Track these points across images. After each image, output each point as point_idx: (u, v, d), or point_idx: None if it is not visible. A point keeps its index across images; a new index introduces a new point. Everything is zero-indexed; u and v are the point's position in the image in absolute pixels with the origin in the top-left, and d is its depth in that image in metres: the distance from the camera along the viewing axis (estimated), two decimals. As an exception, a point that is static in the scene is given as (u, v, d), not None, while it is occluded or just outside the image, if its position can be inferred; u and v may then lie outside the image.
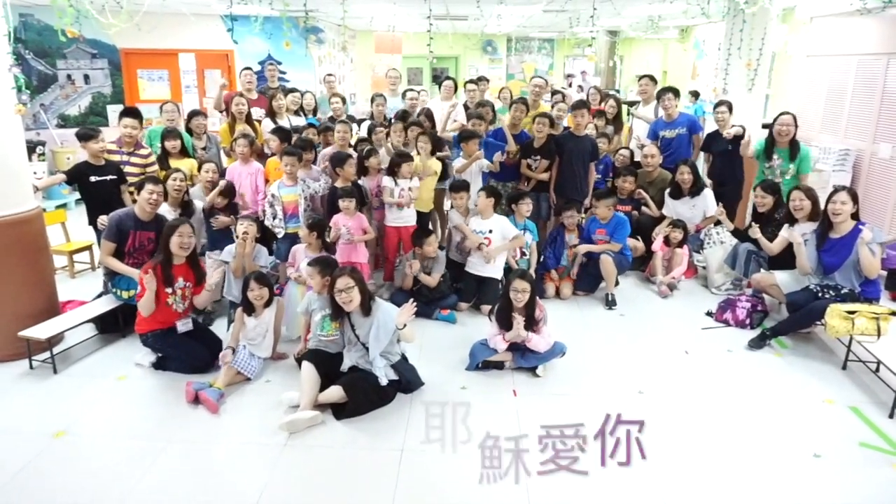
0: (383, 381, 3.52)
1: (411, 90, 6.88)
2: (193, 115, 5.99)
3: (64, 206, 7.74)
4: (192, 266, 4.05)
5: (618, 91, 14.22)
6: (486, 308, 4.70)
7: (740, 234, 5.39)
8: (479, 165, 5.58)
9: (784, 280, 4.72)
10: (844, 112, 7.18)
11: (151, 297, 3.77)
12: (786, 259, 4.79)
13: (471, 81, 7.33)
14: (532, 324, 3.92)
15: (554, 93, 7.60)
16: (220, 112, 6.54)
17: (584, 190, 5.92)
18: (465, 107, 6.74)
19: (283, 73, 10.13)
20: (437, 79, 9.49)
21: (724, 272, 5.69)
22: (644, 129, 6.72)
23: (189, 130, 5.93)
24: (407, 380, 3.69)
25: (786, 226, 4.77)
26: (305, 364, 3.56)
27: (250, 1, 7.31)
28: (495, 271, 5.03)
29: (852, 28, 6.99)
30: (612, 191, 5.47)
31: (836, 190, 4.40)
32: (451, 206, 5.35)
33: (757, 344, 4.49)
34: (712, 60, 11.83)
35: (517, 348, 4.03)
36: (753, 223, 5.03)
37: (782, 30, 9.20)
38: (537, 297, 4.02)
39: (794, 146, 5.50)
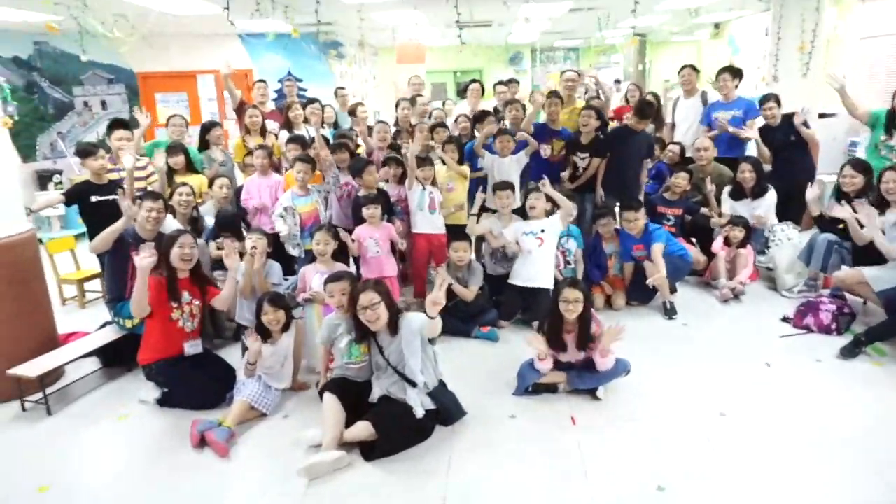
0: (419, 413, 2.99)
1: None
2: (211, 126, 5.62)
3: (84, 234, 7.43)
4: (198, 281, 3.60)
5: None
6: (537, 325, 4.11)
7: (822, 222, 4.75)
8: (517, 162, 5.07)
9: (875, 276, 4.06)
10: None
11: (144, 287, 3.27)
12: (875, 252, 4.15)
13: (500, 83, 6.87)
14: (587, 342, 3.36)
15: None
16: (236, 112, 6.12)
17: (635, 190, 5.36)
18: (496, 110, 6.27)
19: (304, 89, 9.83)
20: (462, 94, 9.08)
21: (795, 272, 5.05)
22: (688, 122, 6.14)
23: (205, 144, 5.56)
24: (447, 409, 3.15)
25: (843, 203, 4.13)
26: (328, 396, 3.05)
27: (265, 14, 6.99)
28: (545, 280, 4.40)
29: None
30: (640, 202, 4.83)
31: (928, 171, 3.77)
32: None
33: (850, 352, 3.85)
34: (748, 56, 11.21)
35: (572, 367, 3.47)
36: (843, 202, 4.37)
37: (832, 13, 8.55)
38: (592, 311, 3.46)
39: None
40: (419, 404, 3.02)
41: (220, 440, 2.98)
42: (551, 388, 3.48)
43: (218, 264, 4.09)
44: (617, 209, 5.02)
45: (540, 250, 4.41)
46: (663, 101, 6.55)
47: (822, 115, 6.80)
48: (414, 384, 3.06)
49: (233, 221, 4.41)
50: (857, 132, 7.28)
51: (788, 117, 5.43)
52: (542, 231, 4.43)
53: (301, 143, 5.00)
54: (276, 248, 4.35)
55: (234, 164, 5.79)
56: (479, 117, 5.41)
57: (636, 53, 14.93)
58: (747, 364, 3.81)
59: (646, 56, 15.34)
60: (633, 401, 3.39)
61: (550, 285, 4.28)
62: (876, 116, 4.99)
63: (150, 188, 4.79)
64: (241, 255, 3.79)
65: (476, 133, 5.45)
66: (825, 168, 6.37)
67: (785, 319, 4.45)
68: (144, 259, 3.21)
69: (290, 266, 4.59)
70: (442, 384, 3.24)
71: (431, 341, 3.13)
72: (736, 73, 5.83)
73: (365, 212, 4.33)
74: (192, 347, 3.57)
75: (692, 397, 3.41)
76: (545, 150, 5.36)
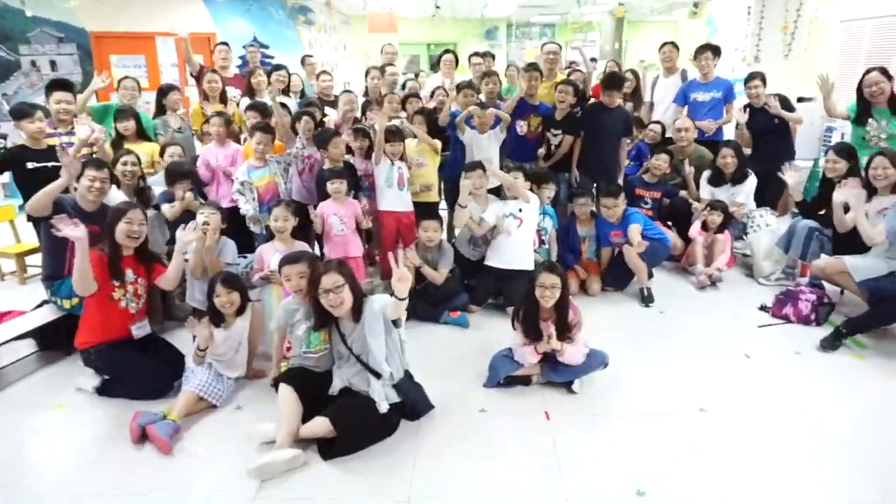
0: (383, 408, 2.76)
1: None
2: (168, 89, 5.22)
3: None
4: (143, 259, 3.29)
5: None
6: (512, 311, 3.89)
7: (804, 207, 4.62)
8: (494, 138, 4.81)
9: (856, 265, 3.93)
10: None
11: (86, 262, 2.92)
12: (856, 240, 4.03)
13: (476, 54, 6.57)
14: (565, 330, 3.16)
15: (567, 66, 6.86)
16: (195, 77, 5.74)
17: (614, 172, 5.15)
18: (470, 83, 5.98)
19: (271, 56, 9.38)
20: (436, 66, 8.69)
21: (773, 259, 4.93)
22: (667, 100, 5.95)
23: (162, 109, 5.17)
24: (413, 403, 2.92)
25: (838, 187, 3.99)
26: (283, 388, 2.80)
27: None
28: (525, 262, 4.16)
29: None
30: (619, 188, 4.65)
31: (919, 158, 3.64)
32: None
33: (831, 344, 3.73)
34: (727, 36, 11.05)
35: (547, 359, 3.28)
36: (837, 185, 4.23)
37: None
38: (571, 301, 3.26)
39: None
40: (383, 398, 2.79)
41: (163, 436, 2.70)
42: (524, 381, 3.28)
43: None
44: (594, 192, 4.83)
45: (519, 231, 4.19)
46: (642, 79, 6.33)
47: (800, 99, 6.68)
48: (378, 375, 2.82)
49: (187, 171, 4.07)
50: (832, 118, 7.19)
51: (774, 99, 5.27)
52: (521, 210, 4.19)
53: (261, 110, 4.66)
54: (232, 222, 4.04)
55: (193, 132, 5.42)
56: (459, 88, 5.14)
57: (613, 32, 14.68)
58: (726, 356, 3.67)
59: (623, 35, 15.10)
60: (611, 395, 3.21)
61: (530, 267, 4.06)
62: (852, 111, 4.85)
63: (95, 156, 4.41)
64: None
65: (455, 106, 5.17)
66: (801, 154, 6.25)
67: (763, 308, 4.33)
68: (76, 230, 2.87)
69: (249, 243, 4.30)
70: (408, 375, 3.01)
71: (396, 324, 2.86)
72: (717, 51, 5.64)
73: (330, 186, 4.04)
74: (139, 329, 3.27)
75: (671, 392, 3.24)
76: (521, 127, 5.12)
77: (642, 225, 4.46)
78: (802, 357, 3.68)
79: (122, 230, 3.14)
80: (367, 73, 5.83)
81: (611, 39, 14.72)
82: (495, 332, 3.86)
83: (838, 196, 4.00)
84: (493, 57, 6.89)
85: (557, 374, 3.24)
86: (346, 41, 13.49)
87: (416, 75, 7.39)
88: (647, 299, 4.45)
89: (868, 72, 4.60)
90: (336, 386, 2.89)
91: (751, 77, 5.35)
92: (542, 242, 4.56)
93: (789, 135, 5.36)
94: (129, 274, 3.20)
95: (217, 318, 3.18)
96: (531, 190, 4.42)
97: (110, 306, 3.15)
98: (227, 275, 3.19)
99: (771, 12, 6.27)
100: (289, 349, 3.09)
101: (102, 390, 3.20)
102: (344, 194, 4.08)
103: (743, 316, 4.26)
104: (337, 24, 12.75)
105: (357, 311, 2.80)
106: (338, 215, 4.03)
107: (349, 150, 4.68)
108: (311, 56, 7.53)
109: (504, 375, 3.25)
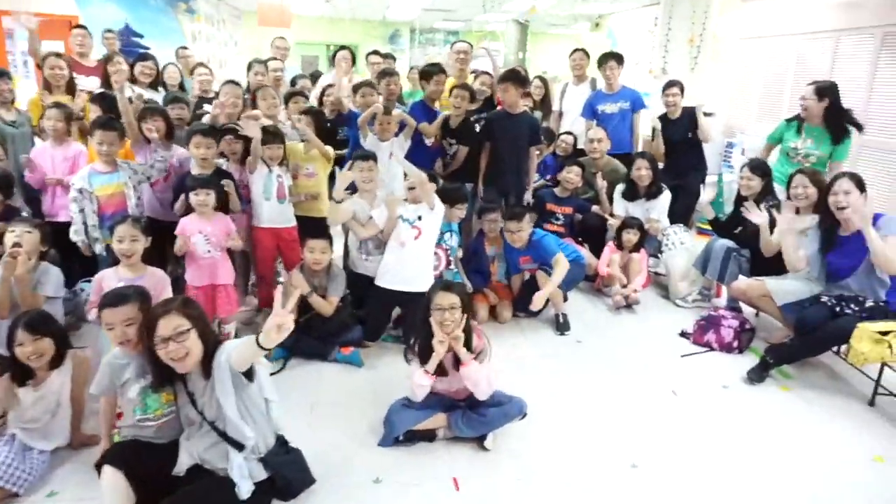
0: (244, 492, 2.10)
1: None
2: None
3: None
4: None
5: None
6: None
7: (718, 225, 4.39)
8: (399, 146, 4.25)
9: (777, 289, 3.69)
10: (786, 98, 6.48)
11: None
12: (774, 261, 3.81)
13: (375, 52, 6.01)
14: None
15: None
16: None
17: (521, 183, 4.71)
18: (369, 82, 5.38)
19: (146, 47, 8.33)
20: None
21: (689, 279, 4.68)
22: (577, 109, 5.63)
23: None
24: (286, 480, 2.28)
25: (784, 208, 3.76)
26: (108, 472, 2.08)
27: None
28: (423, 282, 3.43)
29: (792, 6, 6.27)
30: (525, 208, 4.18)
31: (836, 177, 3.43)
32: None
33: (758, 376, 3.46)
34: (627, 50, 11.13)
35: (455, 407, 2.74)
36: (744, 205, 4.00)
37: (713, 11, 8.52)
38: (473, 322, 2.74)
39: (834, 125, 4.28)
40: (246, 476, 2.14)
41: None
42: (428, 437, 2.73)
43: None
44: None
45: (416, 243, 3.55)
46: (550, 86, 6.00)
47: (704, 114, 6.62)
48: (241, 447, 2.16)
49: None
50: (733, 134, 7.22)
51: (688, 111, 5.05)
52: (420, 219, 3.57)
53: (108, 103, 3.83)
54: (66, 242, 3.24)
55: (33, 127, 4.46)
56: (356, 88, 4.54)
57: (517, 41, 14.60)
58: (653, 394, 3.29)
59: (526, 45, 15.05)
60: (529, 452, 2.71)
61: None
62: (779, 130, 4.66)
63: None
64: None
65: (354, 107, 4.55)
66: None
67: (684, 335, 4.03)
68: None
69: (93, 268, 3.48)
70: (281, 442, 2.36)
71: (248, 377, 2.15)
72: (620, 59, 5.38)
73: (193, 199, 3.31)
74: None
75: (599, 446, 2.79)
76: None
77: (567, 252, 4.01)
78: (730, 391, 3.37)
79: None
80: (249, 67, 5.10)
81: (515, 49, 14.63)
82: (395, 371, 3.29)
83: (758, 220, 3.79)
84: (393, 59, 6.35)
85: (468, 427, 2.70)
86: (237, 37, 12.53)
87: (313, 76, 6.71)
88: (562, 327, 4.03)
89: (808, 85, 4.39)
90: (183, 464, 2.19)
91: (669, 85, 5.11)
92: (448, 264, 4.02)
93: (702, 148, 5.17)
94: None
95: (23, 374, 2.39)
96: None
97: None
98: (34, 317, 2.39)
99: (677, 24, 6.15)
100: (120, 416, 2.35)
101: None
102: (212, 207, 3.36)
103: (664, 343, 3.93)
104: (227, 18, 11.79)
105: (208, 363, 2.13)
106: (203, 234, 3.31)
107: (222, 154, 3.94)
108: (185, 48, 6.67)
109: (403, 430, 2.67)
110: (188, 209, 3.36)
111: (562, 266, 3.82)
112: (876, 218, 3.30)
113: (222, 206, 3.50)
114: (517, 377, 3.23)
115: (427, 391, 2.66)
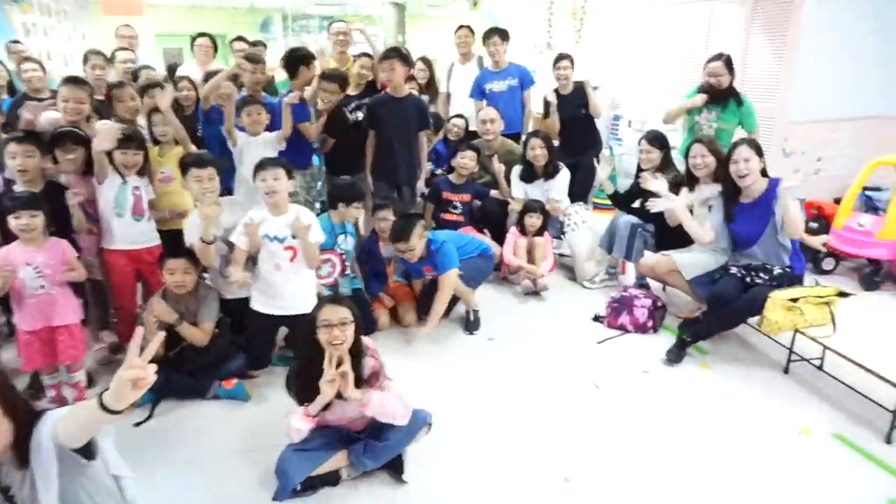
0: None
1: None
2: None
3: None
4: None
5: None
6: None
7: (618, 199, 4.24)
8: (275, 142, 3.76)
9: (685, 262, 3.60)
10: (667, 66, 6.50)
11: None
12: (682, 233, 3.69)
13: (240, 38, 5.42)
14: (361, 383, 2.26)
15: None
16: None
17: (411, 172, 4.35)
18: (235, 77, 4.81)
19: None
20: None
21: (595, 259, 4.53)
22: (465, 90, 5.33)
23: None
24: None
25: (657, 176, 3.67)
26: None
27: None
28: (305, 302, 2.93)
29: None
30: (413, 222, 3.50)
31: (735, 145, 3.35)
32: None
33: (676, 356, 3.33)
34: (506, 26, 11.02)
35: (354, 440, 2.35)
36: (643, 175, 3.86)
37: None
38: (366, 343, 2.35)
39: (732, 97, 4.23)
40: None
41: None
42: (331, 480, 2.32)
43: None
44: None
45: (293, 265, 3.01)
46: (435, 67, 5.66)
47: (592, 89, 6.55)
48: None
49: None
50: (618, 106, 7.21)
51: (578, 86, 4.88)
52: (294, 237, 2.98)
53: None
54: None
55: None
56: (207, 77, 3.97)
57: (395, 25, 14.17)
58: (574, 390, 3.06)
59: (405, 27, 14.65)
60: (451, 477, 2.38)
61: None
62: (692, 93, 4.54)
63: None
64: None
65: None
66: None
67: (597, 318, 3.85)
68: None
69: None
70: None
71: (88, 455, 1.61)
72: (505, 35, 5.14)
73: (14, 222, 2.67)
74: None
75: (525, 459, 2.50)
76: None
77: (457, 267, 3.54)
78: (651, 376, 3.22)
79: None
80: (85, 60, 4.36)
81: (393, 32, 14.20)
82: (289, 401, 2.82)
83: (656, 187, 3.65)
84: (264, 46, 5.78)
85: (372, 459, 2.31)
86: (84, 30, 11.22)
87: (171, 69, 5.98)
88: (472, 325, 3.72)
89: (711, 59, 4.25)
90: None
91: (560, 58, 4.90)
92: (343, 270, 3.58)
93: (594, 123, 5.03)
94: None
95: None
96: (333, 208, 3.47)
97: None
98: None
99: (558, -2, 5.99)
100: None
101: None
102: (41, 232, 2.73)
103: (579, 331, 3.72)
104: (69, 9, 10.49)
105: (23, 449, 1.60)
106: (32, 265, 2.69)
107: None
108: (17, 42, 5.73)
109: (300, 479, 2.25)
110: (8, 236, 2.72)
111: (445, 292, 3.49)
112: (775, 183, 3.24)
113: (60, 227, 2.89)
114: (428, 389, 2.87)
115: (304, 435, 2.25)
